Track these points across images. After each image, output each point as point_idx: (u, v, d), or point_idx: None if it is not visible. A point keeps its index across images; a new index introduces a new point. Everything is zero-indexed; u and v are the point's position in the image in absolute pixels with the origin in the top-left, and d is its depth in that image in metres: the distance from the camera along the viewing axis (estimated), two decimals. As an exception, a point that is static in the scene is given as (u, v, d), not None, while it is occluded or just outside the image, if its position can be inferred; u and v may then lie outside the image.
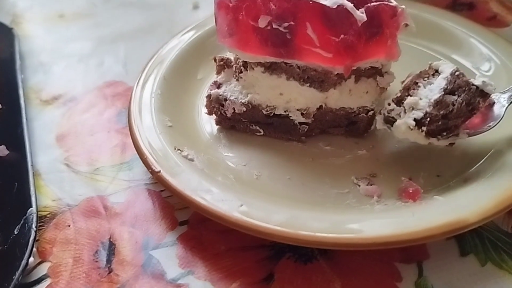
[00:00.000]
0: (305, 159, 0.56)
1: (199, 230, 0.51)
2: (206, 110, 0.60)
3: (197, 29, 0.70)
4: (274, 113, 0.58)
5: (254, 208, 0.48)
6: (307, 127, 0.57)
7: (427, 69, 0.53)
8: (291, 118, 0.57)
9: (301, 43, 0.53)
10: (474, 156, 0.53)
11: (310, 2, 0.51)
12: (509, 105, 0.52)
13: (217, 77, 0.61)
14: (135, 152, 0.55)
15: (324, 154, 0.56)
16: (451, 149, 0.53)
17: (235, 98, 0.58)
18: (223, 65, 0.60)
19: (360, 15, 0.50)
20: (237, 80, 0.59)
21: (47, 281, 0.48)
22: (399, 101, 0.52)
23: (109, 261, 0.49)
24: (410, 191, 0.50)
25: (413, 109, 0.50)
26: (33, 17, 0.87)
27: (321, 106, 0.57)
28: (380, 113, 0.53)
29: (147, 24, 0.83)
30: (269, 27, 0.52)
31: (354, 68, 0.54)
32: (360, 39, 0.51)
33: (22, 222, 0.50)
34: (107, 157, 0.60)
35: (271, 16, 0.52)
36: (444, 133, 0.50)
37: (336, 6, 0.50)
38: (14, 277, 0.45)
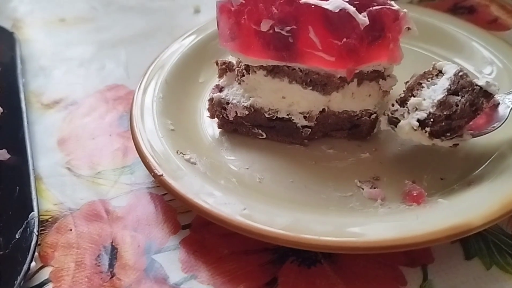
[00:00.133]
0: (308, 162, 0.56)
1: (202, 234, 0.51)
2: (208, 114, 0.60)
3: (199, 33, 0.70)
4: (276, 117, 0.58)
5: (257, 211, 0.48)
6: (310, 130, 0.57)
7: (430, 69, 0.53)
8: (293, 121, 0.57)
9: (303, 47, 0.53)
10: (478, 159, 0.53)
11: (313, 6, 0.51)
12: (514, 106, 0.52)
13: (219, 80, 0.61)
14: (137, 155, 0.55)
15: (327, 157, 0.56)
16: (454, 152, 0.52)
17: (237, 102, 0.58)
18: (225, 68, 0.60)
19: (363, 19, 0.50)
20: (239, 83, 0.59)
21: (49, 286, 0.48)
22: (402, 102, 0.52)
23: (111, 265, 0.49)
24: (414, 194, 0.50)
25: (416, 109, 0.50)
26: (34, 21, 0.87)
27: (323, 109, 0.57)
28: (384, 114, 0.53)
29: (148, 28, 0.83)
30: (271, 31, 0.52)
31: (357, 71, 0.54)
32: (362, 43, 0.51)
33: (23, 226, 0.50)
34: (109, 160, 0.60)
35: (273, 20, 0.52)
36: (448, 134, 0.50)
37: (338, 10, 0.50)
38: (16, 281, 0.45)
